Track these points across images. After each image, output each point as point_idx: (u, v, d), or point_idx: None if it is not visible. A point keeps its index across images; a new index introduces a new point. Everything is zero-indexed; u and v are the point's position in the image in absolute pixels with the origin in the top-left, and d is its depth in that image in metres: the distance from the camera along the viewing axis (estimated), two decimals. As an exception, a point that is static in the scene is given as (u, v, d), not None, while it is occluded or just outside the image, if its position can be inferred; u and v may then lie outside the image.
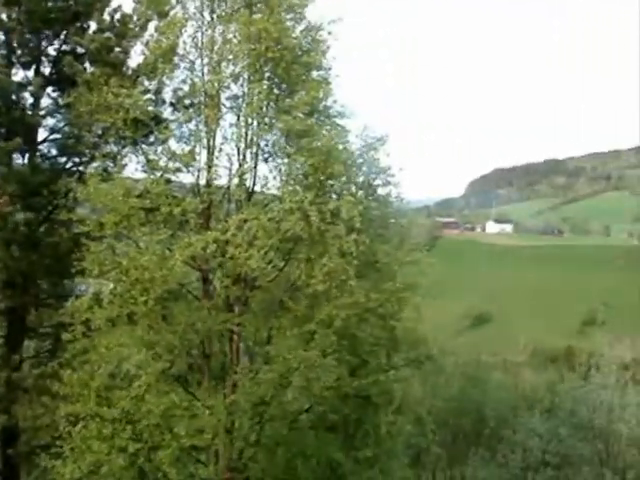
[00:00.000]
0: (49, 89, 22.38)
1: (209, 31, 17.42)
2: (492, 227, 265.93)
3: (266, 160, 17.25)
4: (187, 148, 17.30)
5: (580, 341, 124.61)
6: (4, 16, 21.38)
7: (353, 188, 16.61)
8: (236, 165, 16.98)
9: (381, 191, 17.14)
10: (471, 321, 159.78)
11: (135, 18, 22.04)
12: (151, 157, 17.57)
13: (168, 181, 17.09)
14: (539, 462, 29.31)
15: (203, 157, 17.28)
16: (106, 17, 22.48)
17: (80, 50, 21.98)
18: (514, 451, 29.91)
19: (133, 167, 18.13)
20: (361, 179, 16.91)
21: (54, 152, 22.89)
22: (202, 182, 17.26)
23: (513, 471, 29.96)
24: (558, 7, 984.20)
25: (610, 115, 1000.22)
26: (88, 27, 22.38)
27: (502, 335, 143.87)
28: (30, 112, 21.86)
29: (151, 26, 20.32)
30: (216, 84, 16.96)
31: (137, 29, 21.96)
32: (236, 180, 16.85)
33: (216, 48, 17.21)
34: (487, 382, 34.16)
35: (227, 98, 17.42)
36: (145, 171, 17.63)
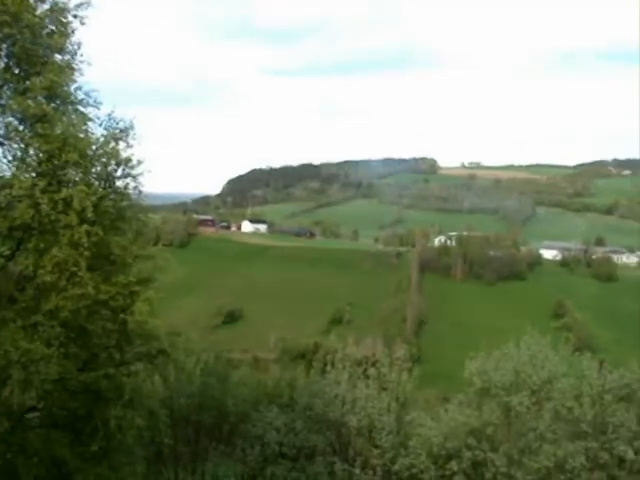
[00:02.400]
0: None
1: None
2: (247, 226, 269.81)
3: (0, 143, 16.33)
4: None
5: (327, 339, 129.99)
6: None
7: (90, 178, 16.14)
8: (-33, 147, 15.95)
9: (120, 183, 16.79)
10: (223, 318, 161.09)
11: None
12: None
13: None
14: (276, 455, 30.12)
15: None
16: None
17: None
18: (253, 445, 30.48)
19: None
20: (99, 169, 16.46)
21: None
22: None
23: (251, 464, 30.56)
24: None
25: (364, 126, 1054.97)
26: None
27: (253, 332, 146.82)
28: None
29: None
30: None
31: None
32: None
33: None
34: (229, 378, 34.55)
35: (-42, 74, 16.26)
36: None
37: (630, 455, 23.87)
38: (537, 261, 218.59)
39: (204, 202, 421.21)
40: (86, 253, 14.65)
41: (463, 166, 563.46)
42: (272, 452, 29.94)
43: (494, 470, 25.25)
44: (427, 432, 27.28)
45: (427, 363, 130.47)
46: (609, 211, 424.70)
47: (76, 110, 16.88)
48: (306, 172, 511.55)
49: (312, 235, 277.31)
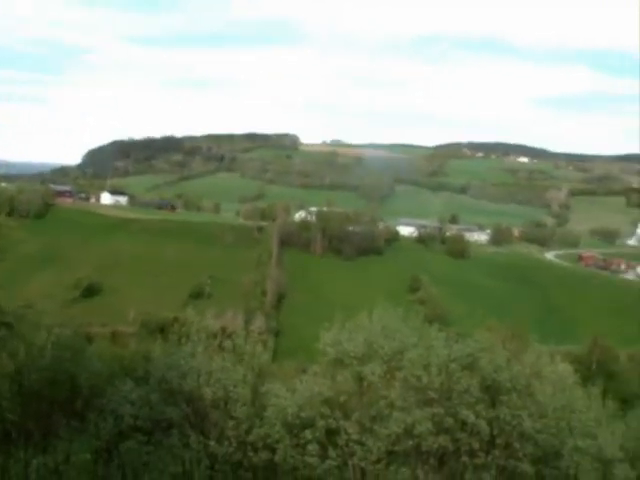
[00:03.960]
0: None
1: None
2: (107, 198, 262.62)
3: None
4: None
5: (186, 312, 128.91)
6: None
7: None
8: None
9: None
10: (82, 292, 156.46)
11: None
12: None
13: None
14: (131, 428, 29.79)
15: None
16: None
17: None
18: (106, 419, 30.04)
19: None
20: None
21: None
22: None
23: (105, 438, 30.12)
24: None
25: (227, 101, 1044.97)
26: None
27: (113, 306, 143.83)
28: None
29: None
30: None
31: None
32: None
33: None
34: (83, 352, 33.80)
35: None
36: None
37: (471, 419, 25.02)
38: (394, 237, 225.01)
39: (63, 173, 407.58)
40: None
41: (325, 143, 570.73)
42: (127, 426, 29.60)
43: (346, 437, 25.89)
44: (282, 402, 27.63)
45: (287, 336, 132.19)
46: (463, 190, 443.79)
47: None
48: (169, 145, 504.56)
49: (173, 208, 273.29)
